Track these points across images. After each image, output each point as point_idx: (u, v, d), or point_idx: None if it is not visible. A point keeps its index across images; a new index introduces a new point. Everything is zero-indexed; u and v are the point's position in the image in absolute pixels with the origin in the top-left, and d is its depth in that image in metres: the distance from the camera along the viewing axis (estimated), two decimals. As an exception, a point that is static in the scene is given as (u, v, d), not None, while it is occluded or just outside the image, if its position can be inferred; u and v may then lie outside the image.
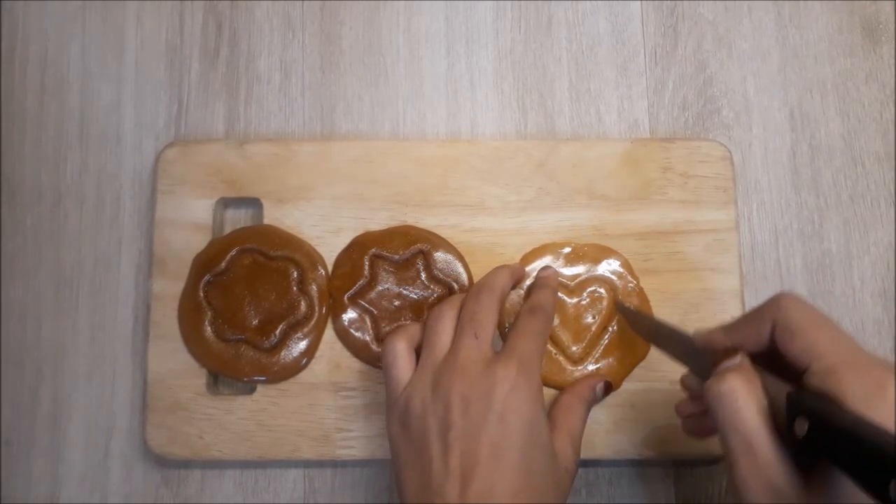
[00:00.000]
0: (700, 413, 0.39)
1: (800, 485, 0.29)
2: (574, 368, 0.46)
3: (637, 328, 0.45)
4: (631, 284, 0.47)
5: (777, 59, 0.52)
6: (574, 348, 0.46)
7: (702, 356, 0.34)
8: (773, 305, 0.33)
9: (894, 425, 0.28)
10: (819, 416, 0.28)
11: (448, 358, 0.38)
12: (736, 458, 0.30)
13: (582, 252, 0.47)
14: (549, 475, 0.36)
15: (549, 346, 0.46)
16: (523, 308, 0.41)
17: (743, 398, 0.31)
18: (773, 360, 0.33)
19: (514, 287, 0.45)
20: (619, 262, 0.47)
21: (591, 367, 0.46)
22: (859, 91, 0.51)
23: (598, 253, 0.47)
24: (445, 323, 0.39)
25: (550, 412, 0.42)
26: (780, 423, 0.30)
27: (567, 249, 0.47)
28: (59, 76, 0.52)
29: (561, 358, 0.46)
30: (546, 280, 0.44)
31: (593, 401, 0.44)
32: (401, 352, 0.39)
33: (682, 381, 0.40)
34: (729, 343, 0.34)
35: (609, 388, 0.45)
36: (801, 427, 0.29)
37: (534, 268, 0.47)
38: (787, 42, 0.52)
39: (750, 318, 0.34)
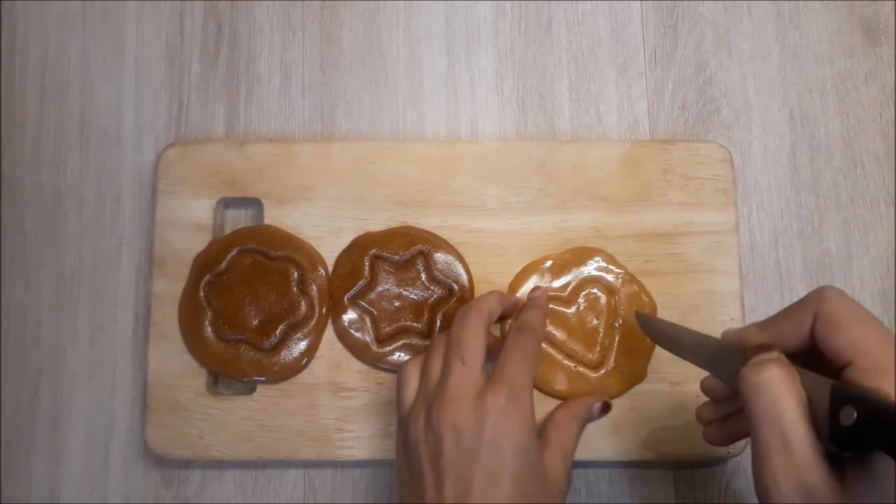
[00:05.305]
0: (721, 419, 0.37)
1: (834, 487, 0.28)
2: (596, 374, 0.46)
3: (654, 337, 0.43)
4: (620, 274, 0.47)
5: (777, 59, 0.52)
6: (591, 355, 0.46)
7: (730, 356, 0.33)
8: (817, 297, 0.31)
9: None
10: (870, 404, 0.27)
11: (439, 386, 0.38)
12: (769, 452, 0.29)
13: (563, 261, 0.47)
14: (542, 499, 0.36)
15: (567, 361, 0.46)
16: (511, 327, 0.41)
17: (782, 389, 0.29)
18: (807, 360, 0.31)
19: (507, 316, 0.45)
20: (601, 258, 0.47)
21: (612, 367, 0.45)
22: (859, 91, 0.51)
23: (579, 256, 0.47)
24: (438, 350, 0.40)
25: (543, 428, 0.42)
26: (818, 421, 0.29)
27: (548, 263, 0.47)
28: (60, 76, 0.52)
29: (581, 369, 0.46)
30: (534, 300, 0.44)
31: (588, 419, 0.44)
32: (410, 376, 0.40)
33: (703, 384, 0.37)
34: (764, 339, 0.33)
35: (607, 409, 0.44)
36: (849, 416, 0.27)
37: (523, 292, 0.46)
38: (787, 42, 0.52)
39: (789, 312, 0.33)
